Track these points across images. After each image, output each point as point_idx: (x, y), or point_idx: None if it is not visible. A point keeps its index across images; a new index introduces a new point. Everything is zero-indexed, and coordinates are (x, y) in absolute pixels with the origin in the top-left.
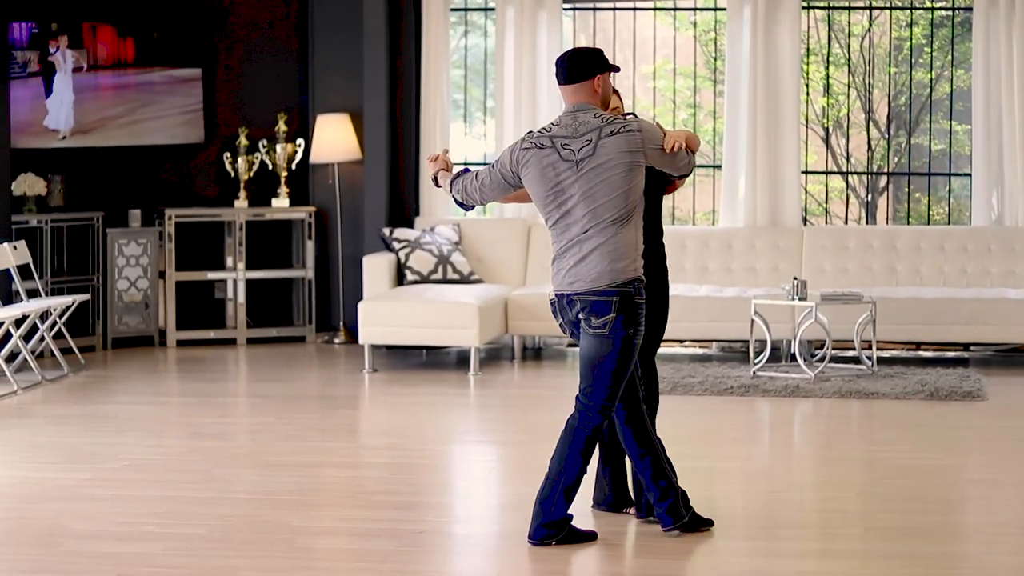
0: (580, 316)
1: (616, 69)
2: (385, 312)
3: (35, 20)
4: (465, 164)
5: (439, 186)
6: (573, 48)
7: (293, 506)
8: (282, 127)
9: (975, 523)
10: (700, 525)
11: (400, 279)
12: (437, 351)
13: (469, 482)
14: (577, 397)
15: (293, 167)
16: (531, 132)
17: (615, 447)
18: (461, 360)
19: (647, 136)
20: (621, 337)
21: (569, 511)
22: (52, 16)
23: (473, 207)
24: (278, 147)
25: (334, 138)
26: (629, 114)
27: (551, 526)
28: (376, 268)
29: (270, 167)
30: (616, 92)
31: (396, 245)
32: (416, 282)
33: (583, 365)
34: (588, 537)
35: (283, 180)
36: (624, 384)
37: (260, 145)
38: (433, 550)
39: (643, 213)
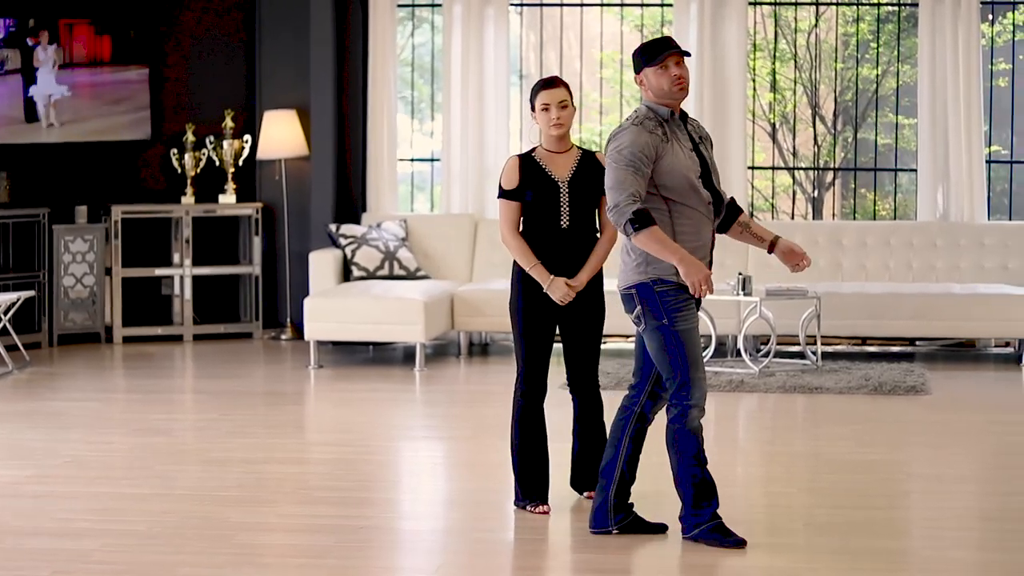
0: None
1: (661, 57)
2: (331, 308)
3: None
4: (412, 159)
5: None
6: None
7: (235, 502)
8: (229, 123)
9: (919, 518)
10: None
11: (347, 275)
12: (383, 347)
13: (414, 478)
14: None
15: (240, 163)
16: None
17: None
18: (407, 356)
19: (609, 146)
20: (653, 327)
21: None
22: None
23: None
24: (225, 143)
25: (281, 134)
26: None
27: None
28: (322, 264)
29: (217, 163)
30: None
31: (343, 241)
32: (362, 278)
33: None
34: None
35: (230, 176)
36: (675, 369)
37: (207, 141)
38: (376, 546)
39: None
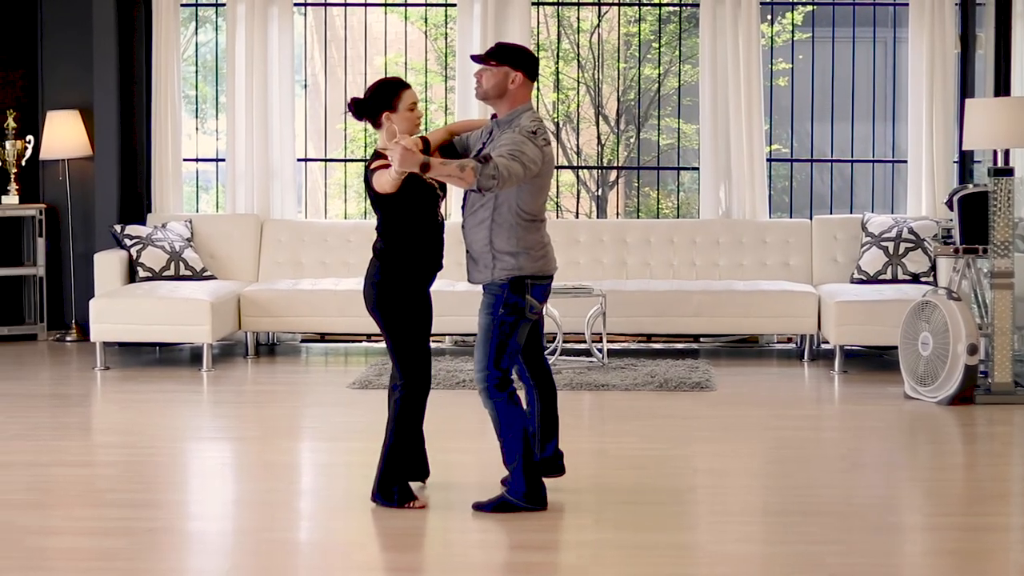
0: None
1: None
2: (117, 309)
3: None
4: (197, 159)
5: (425, 172)
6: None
7: (22, 506)
8: (11, 123)
9: (705, 512)
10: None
11: (132, 276)
12: (170, 348)
13: (203, 479)
14: (509, 381)
15: (23, 164)
16: (538, 125)
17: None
18: (194, 357)
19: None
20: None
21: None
22: None
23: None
24: (7, 144)
25: (64, 134)
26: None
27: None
28: (107, 265)
29: (0, 164)
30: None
31: (128, 242)
32: (148, 279)
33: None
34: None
35: (13, 177)
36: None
37: None
38: (166, 548)
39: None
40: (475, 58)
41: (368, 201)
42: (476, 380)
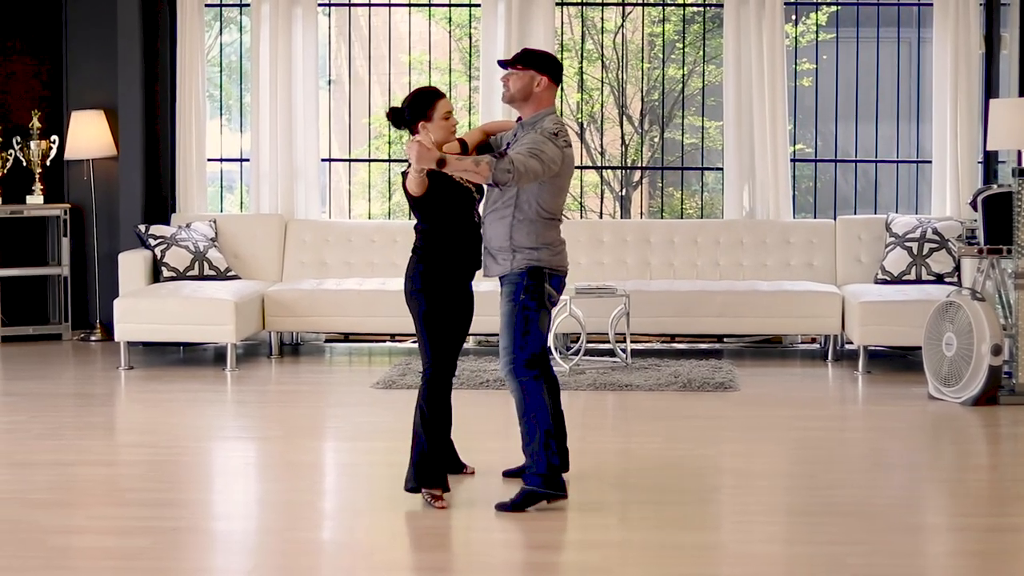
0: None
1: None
2: (141, 309)
3: None
4: (221, 159)
5: (441, 168)
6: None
7: (45, 505)
8: (36, 123)
9: (728, 512)
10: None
11: (156, 276)
12: (194, 348)
13: (227, 479)
14: (536, 362)
15: (48, 164)
16: (559, 128)
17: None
18: (218, 357)
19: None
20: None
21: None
22: None
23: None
24: (32, 144)
25: (89, 134)
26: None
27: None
28: (132, 265)
29: (24, 164)
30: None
31: (152, 242)
32: (172, 278)
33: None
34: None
35: (38, 177)
36: None
37: (14, 141)
38: (189, 547)
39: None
40: (502, 63)
41: (405, 202)
42: (502, 364)
